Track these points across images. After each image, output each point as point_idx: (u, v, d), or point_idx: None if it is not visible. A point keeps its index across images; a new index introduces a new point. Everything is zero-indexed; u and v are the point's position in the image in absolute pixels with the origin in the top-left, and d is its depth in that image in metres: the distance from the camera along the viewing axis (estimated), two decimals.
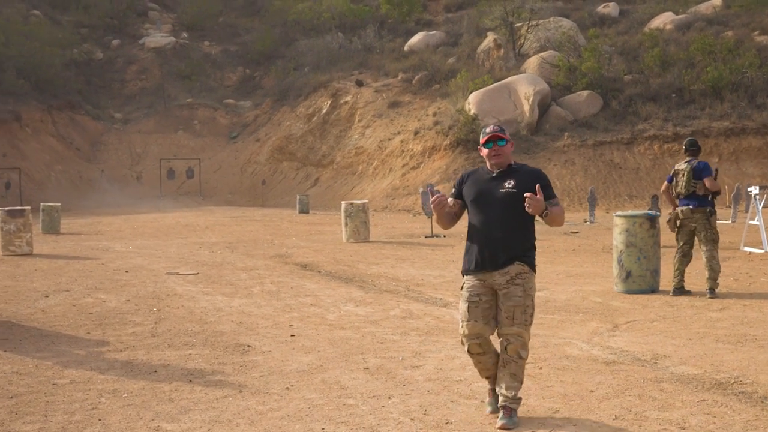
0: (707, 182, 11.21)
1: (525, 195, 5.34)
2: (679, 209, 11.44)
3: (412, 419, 5.81)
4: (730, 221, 24.19)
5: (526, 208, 5.35)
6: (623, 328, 9.13)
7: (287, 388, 6.76)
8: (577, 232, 22.19)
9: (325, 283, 13.34)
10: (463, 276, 5.81)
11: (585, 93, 39.16)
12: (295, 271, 14.83)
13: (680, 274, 11.47)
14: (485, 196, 5.66)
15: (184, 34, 66.71)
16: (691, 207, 11.30)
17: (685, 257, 11.51)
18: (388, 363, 7.55)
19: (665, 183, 11.78)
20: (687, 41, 40.49)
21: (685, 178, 11.27)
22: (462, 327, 5.71)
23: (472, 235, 5.75)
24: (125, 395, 6.65)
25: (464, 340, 5.72)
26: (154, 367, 7.62)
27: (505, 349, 5.60)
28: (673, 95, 37.70)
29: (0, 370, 7.60)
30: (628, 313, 10.10)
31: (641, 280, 11.64)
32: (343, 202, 21.59)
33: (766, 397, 6.20)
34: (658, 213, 12.95)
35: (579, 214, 30.14)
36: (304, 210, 35.49)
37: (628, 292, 11.54)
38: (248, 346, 8.50)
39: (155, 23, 68.80)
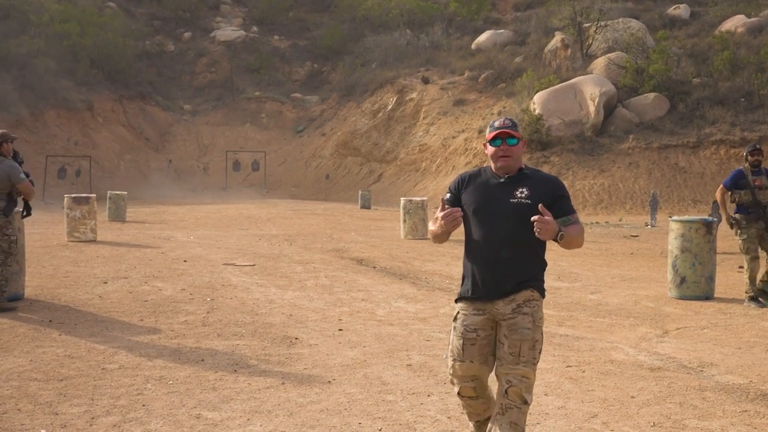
0: None
1: (533, 219, 4.30)
2: None
3: (449, 417, 5.85)
4: None
5: (535, 233, 4.32)
6: (673, 335, 9.03)
7: (329, 381, 6.84)
8: (637, 236, 21.95)
9: (379, 278, 13.42)
10: (456, 303, 4.79)
11: (651, 95, 38.65)
12: (350, 266, 14.94)
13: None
14: (492, 206, 4.60)
15: (254, 28, 67.46)
16: None
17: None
18: (431, 361, 7.59)
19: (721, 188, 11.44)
20: (758, 45, 39.69)
21: None
22: (452, 366, 4.76)
23: (473, 253, 4.67)
24: (171, 382, 6.80)
25: (455, 381, 4.80)
26: (201, 355, 7.76)
27: (506, 392, 4.49)
28: (742, 99, 37.01)
29: (53, 353, 7.82)
30: (679, 319, 9.99)
31: (695, 287, 11.49)
32: (402, 198, 21.67)
33: None
34: (716, 219, 12.70)
35: (641, 217, 29.79)
36: (365, 205, 35.65)
37: (682, 297, 11.40)
38: (296, 338, 8.61)
39: (226, 17, 69.71)
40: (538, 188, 4.58)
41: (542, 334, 4.57)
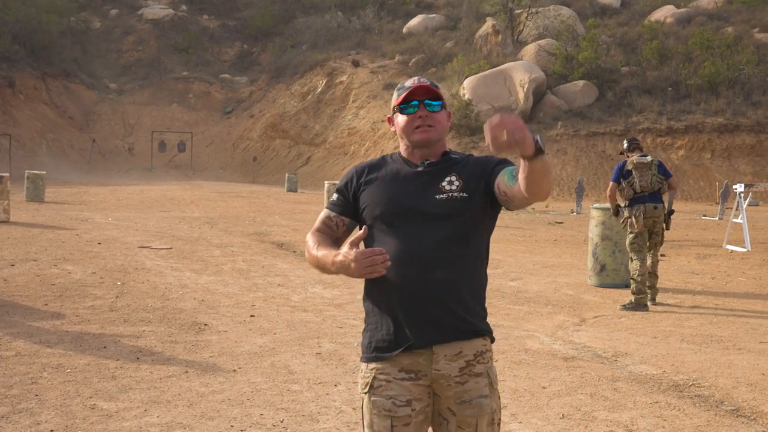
0: (674, 181, 10.51)
1: (486, 125, 2.57)
2: (648, 206, 10.21)
3: (354, 408, 5.64)
4: (717, 218, 24.04)
5: (497, 141, 2.53)
6: (590, 323, 8.98)
7: (234, 370, 6.60)
8: (561, 222, 22.04)
9: (298, 263, 13.17)
10: (365, 364, 3.06)
11: (581, 83, 38.96)
12: (270, 250, 14.66)
13: (645, 281, 10.20)
14: (408, 206, 3.04)
15: (183, 7, 66.31)
16: (654, 205, 10.24)
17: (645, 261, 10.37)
18: (342, 349, 7.39)
19: (612, 183, 10.49)
20: (686, 35, 40.26)
21: (653, 171, 10.26)
22: None
23: (384, 283, 2.97)
24: (68, 371, 6.48)
25: None
26: (104, 342, 7.44)
27: None
28: (669, 89, 37.52)
29: None
30: (597, 307, 9.95)
31: (615, 274, 11.48)
32: (326, 182, 21.43)
33: (721, 401, 6.04)
34: None
35: (568, 204, 29.98)
36: (292, 188, 35.29)
37: (602, 285, 11.38)
38: (205, 325, 8.33)
39: None
40: (471, 173, 3.09)
41: (499, 397, 3.10)
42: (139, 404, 5.69)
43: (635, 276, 10.01)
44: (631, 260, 10.22)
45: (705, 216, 24.87)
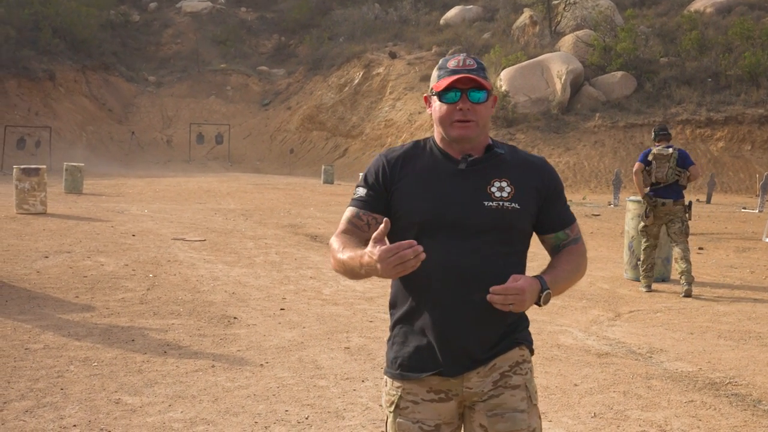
0: (694, 170, 10.45)
1: (493, 290, 2.53)
2: (658, 201, 10.38)
3: (380, 405, 5.55)
4: (756, 210, 23.63)
5: (499, 307, 2.55)
6: (625, 318, 8.80)
7: (261, 365, 6.53)
8: (599, 215, 21.77)
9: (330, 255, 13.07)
10: (390, 381, 2.82)
11: (619, 74, 38.47)
12: (303, 242, 14.60)
13: (651, 268, 10.65)
14: (452, 215, 2.69)
15: (221, 0, 66.48)
16: (664, 201, 10.34)
17: (654, 250, 10.68)
18: (371, 343, 7.30)
19: (638, 163, 10.54)
20: (726, 25, 39.59)
21: (671, 164, 10.33)
22: None
23: (418, 297, 2.72)
24: (95, 364, 6.46)
25: None
26: (132, 335, 7.41)
27: None
28: (709, 80, 36.93)
29: None
30: (633, 301, 9.77)
31: None
32: (360, 174, 21.29)
33: (759, 400, 5.88)
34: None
35: (605, 196, 29.64)
36: (328, 180, 35.23)
37: (638, 279, 11.15)
38: (234, 318, 8.28)
39: None
40: (523, 180, 2.76)
41: (540, 416, 2.80)
42: (164, 399, 5.64)
43: (641, 259, 10.67)
44: (641, 244, 10.71)
45: (745, 208, 24.45)
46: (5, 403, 5.50)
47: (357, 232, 2.77)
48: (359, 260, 2.54)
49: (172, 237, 14.43)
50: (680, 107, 35.77)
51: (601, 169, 33.94)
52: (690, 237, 16.09)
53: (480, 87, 2.71)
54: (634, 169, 10.60)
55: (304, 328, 7.89)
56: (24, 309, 8.41)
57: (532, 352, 2.82)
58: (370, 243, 2.48)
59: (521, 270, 2.72)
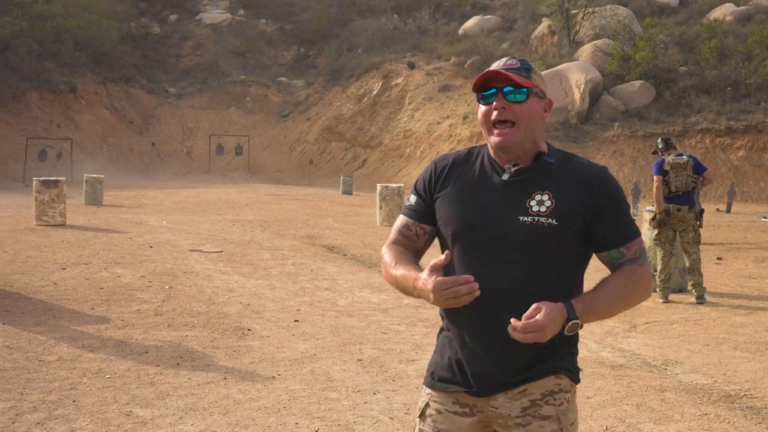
0: (709, 175, 10.55)
1: (513, 326, 2.40)
2: (673, 207, 10.32)
3: (391, 418, 5.54)
4: None
5: (519, 337, 2.41)
6: (641, 329, 8.74)
7: (273, 377, 6.53)
8: None
9: (347, 266, 13.10)
10: (424, 387, 2.78)
11: (637, 83, 38.34)
12: (320, 253, 14.61)
13: (668, 279, 10.57)
14: (485, 229, 2.58)
15: (241, 11, 66.83)
16: (679, 207, 10.30)
17: (671, 259, 10.62)
18: (384, 355, 7.28)
19: (658, 177, 10.32)
20: (746, 33, 39.39)
21: (688, 172, 10.29)
22: None
23: (452, 310, 2.59)
24: (108, 376, 6.48)
25: None
26: (146, 347, 7.43)
27: None
28: (729, 88, 36.73)
29: None
30: (649, 312, 9.70)
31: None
32: (378, 184, 21.34)
33: None
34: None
35: None
36: (347, 191, 35.29)
37: (654, 290, 11.08)
38: (248, 329, 8.29)
39: (213, 0, 69.09)
40: (568, 193, 2.57)
41: None
42: (175, 411, 5.65)
43: (657, 269, 10.50)
44: (657, 255, 10.62)
45: (765, 218, 24.26)
46: (17, 415, 5.52)
47: (407, 243, 2.76)
48: (413, 282, 2.55)
49: (190, 248, 14.49)
50: (700, 116, 35.59)
51: (620, 179, 33.75)
52: (709, 247, 16.04)
53: (517, 85, 2.56)
54: (655, 184, 10.39)
55: (317, 339, 7.89)
56: (39, 321, 8.46)
57: (575, 381, 2.64)
58: (427, 270, 2.47)
59: (564, 292, 2.52)
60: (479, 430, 2.64)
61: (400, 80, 48.54)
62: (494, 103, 2.58)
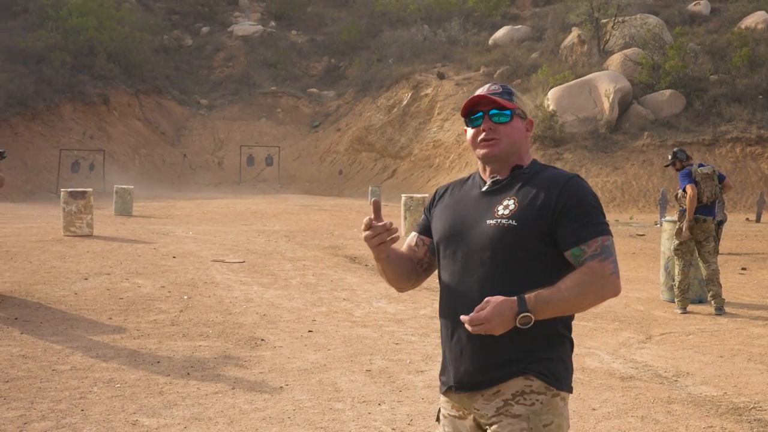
0: (729, 182, 10.69)
1: (463, 319, 2.63)
2: (700, 218, 10.32)
3: (393, 429, 5.56)
4: None
5: (470, 330, 2.62)
6: (656, 340, 8.70)
7: (281, 387, 6.58)
8: (643, 235, 21.54)
9: (368, 277, 13.13)
10: (441, 395, 3.01)
11: (668, 92, 38.05)
12: (341, 264, 14.65)
13: (687, 289, 10.54)
14: (458, 233, 2.86)
15: (272, 23, 67.23)
16: (705, 218, 10.32)
17: (690, 270, 10.56)
18: (393, 366, 7.30)
19: (693, 186, 10.22)
20: None
21: (715, 182, 10.36)
22: None
23: (441, 313, 2.95)
24: (118, 385, 6.56)
25: None
26: (158, 357, 7.51)
27: None
28: (760, 96, 36.34)
29: (8, 352, 7.59)
30: (666, 323, 9.64)
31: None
32: (403, 195, 21.35)
33: None
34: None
35: (653, 216, 29.30)
36: None
37: (673, 301, 11.01)
38: (262, 340, 8.34)
39: (244, 12, 69.50)
40: (532, 197, 2.77)
41: None
42: (181, 421, 5.70)
43: (676, 280, 10.52)
44: (676, 265, 10.58)
45: None
46: (26, 423, 5.60)
47: (409, 251, 3.07)
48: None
49: (212, 259, 14.58)
50: (730, 125, 35.25)
51: (649, 188, 33.56)
52: (735, 257, 15.92)
53: (501, 107, 2.84)
54: (690, 194, 10.27)
55: (329, 350, 7.92)
56: (57, 330, 8.57)
57: (553, 385, 2.73)
58: (363, 223, 2.80)
59: (530, 289, 2.65)
60: (476, 430, 2.84)
61: (429, 90, 48.56)
62: (483, 125, 2.86)
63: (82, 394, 6.30)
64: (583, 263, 2.68)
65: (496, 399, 2.72)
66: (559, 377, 2.74)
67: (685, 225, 10.34)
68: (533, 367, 2.71)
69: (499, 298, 2.59)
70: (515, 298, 2.60)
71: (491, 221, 2.74)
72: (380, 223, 2.77)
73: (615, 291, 2.72)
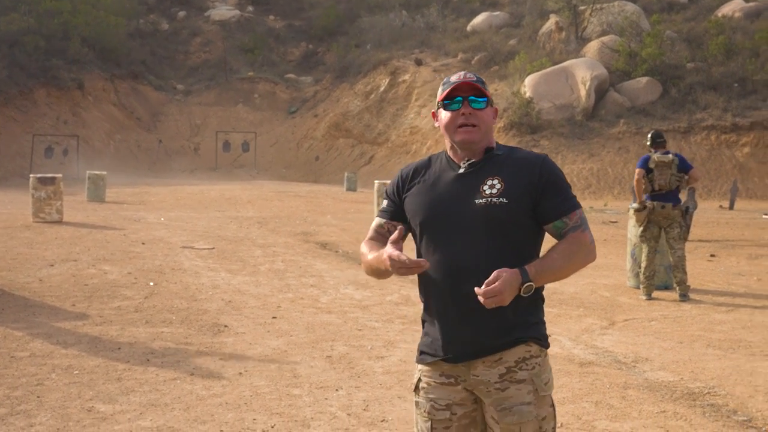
0: (695, 173, 10.55)
1: (477, 291, 2.77)
2: (657, 204, 10.40)
3: (348, 414, 5.57)
4: None
5: (486, 305, 2.78)
6: (618, 326, 8.75)
7: (240, 373, 6.57)
8: (615, 222, 21.65)
9: (337, 263, 13.13)
10: (416, 364, 3.17)
11: (644, 80, 38.17)
12: (312, 250, 14.64)
13: (653, 276, 10.62)
14: (447, 213, 3.00)
15: (250, 8, 66.88)
16: (663, 204, 10.38)
17: (656, 257, 10.66)
18: (354, 352, 7.31)
19: (640, 170, 10.45)
20: (755, 30, 39.18)
21: (672, 171, 10.37)
22: None
23: (428, 289, 3.05)
24: (77, 372, 6.53)
25: None
26: (119, 344, 7.48)
27: None
28: (735, 85, 36.52)
29: None
30: (630, 310, 9.70)
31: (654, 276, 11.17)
32: (376, 181, 21.36)
33: (734, 411, 5.82)
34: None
35: (627, 203, 29.40)
36: (351, 188, 35.28)
37: (639, 287, 11.08)
38: (225, 326, 8.33)
39: None
40: (516, 176, 2.97)
41: (553, 406, 3.01)
42: (137, 407, 5.69)
43: (641, 266, 10.63)
44: (643, 251, 10.70)
45: (766, 215, 24.12)
46: None
47: (381, 238, 3.15)
48: (380, 257, 2.97)
49: (182, 245, 14.53)
50: (706, 113, 35.40)
51: (625, 176, 33.65)
52: (705, 244, 16.02)
53: (480, 94, 3.04)
54: (636, 177, 10.55)
55: (291, 336, 7.92)
56: (18, 317, 8.52)
57: (544, 346, 3.02)
58: (388, 244, 2.93)
59: (521, 262, 2.87)
60: (465, 397, 3.01)
61: (407, 77, 48.50)
62: (462, 109, 3.01)
63: (39, 381, 6.27)
64: (565, 234, 2.97)
65: (499, 366, 2.93)
66: (546, 337, 3.05)
67: (634, 207, 10.60)
68: (530, 333, 2.96)
69: (507, 270, 2.78)
70: (518, 269, 2.82)
71: (480, 200, 2.94)
72: (415, 262, 2.85)
73: (594, 257, 3.04)
